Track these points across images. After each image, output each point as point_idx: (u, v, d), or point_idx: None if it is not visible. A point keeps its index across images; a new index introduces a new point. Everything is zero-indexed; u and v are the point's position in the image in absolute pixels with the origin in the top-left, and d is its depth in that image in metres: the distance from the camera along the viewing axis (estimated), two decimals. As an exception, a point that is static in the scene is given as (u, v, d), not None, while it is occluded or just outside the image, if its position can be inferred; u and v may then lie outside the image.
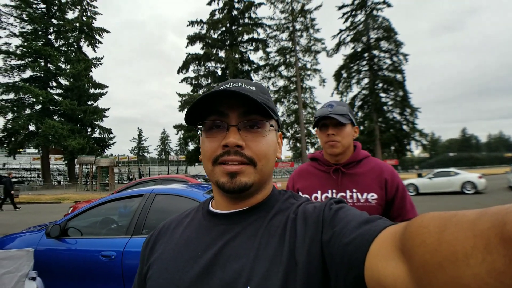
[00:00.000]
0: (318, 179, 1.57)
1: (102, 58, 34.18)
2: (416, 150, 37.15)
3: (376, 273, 0.39)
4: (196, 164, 29.77)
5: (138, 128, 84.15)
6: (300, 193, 1.57)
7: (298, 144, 33.00)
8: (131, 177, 30.23)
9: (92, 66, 33.05)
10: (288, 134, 32.64)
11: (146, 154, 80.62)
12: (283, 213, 0.61)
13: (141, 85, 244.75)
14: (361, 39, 32.91)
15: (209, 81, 28.73)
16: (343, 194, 1.46)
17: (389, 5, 31.75)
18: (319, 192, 1.52)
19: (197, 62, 28.36)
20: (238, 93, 0.57)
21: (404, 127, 32.14)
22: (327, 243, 0.50)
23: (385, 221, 0.46)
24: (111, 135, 33.78)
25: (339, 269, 0.46)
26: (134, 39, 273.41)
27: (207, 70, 29.22)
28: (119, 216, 3.70)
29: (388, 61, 32.90)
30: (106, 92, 33.43)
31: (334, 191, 1.49)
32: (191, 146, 29.21)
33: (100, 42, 34.04)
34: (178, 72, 28.20)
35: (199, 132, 0.65)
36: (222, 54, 28.78)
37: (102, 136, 33.32)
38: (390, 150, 34.25)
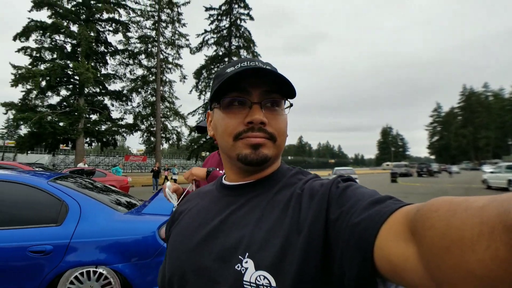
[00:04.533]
0: (214, 159, 1.92)
1: None
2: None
3: (387, 253, 0.40)
4: (29, 152, 25.40)
5: None
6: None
7: (152, 138, 32.10)
8: None
9: None
10: (143, 127, 31.38)
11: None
12: (289, 188, 0.63)
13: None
14: (224, 43, 34.54)
15: (55, 55, 24.76)
16: (222, 171, 1.70)
17: (251, 18, 34.34)
18: (217, 168, 1.81)
19: (41, 32, 24.14)
20: (268, 70, 0.59)
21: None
22: (334, 222, 0.49)
23: (395, 201, 0.46)
24: None
25: (345, 248, 0.45)
26: None
27: (53, 44, 25.22)
28: None
29: (245, 70, 35.54)
30: None
31: (217, 168, 1.77)
32: (23, 130, 24.60)
33: None
34: (15, 38, 23.25)
35: (213, 107, 0.69)
36: (75, 28, 25.25)
37: None
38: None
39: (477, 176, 30.30)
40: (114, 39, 34.25)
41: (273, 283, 0.50)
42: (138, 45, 30.66)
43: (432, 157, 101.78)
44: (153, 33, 30.99)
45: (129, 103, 30.28)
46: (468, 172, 53.01)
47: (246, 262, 0.53)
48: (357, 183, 0.57)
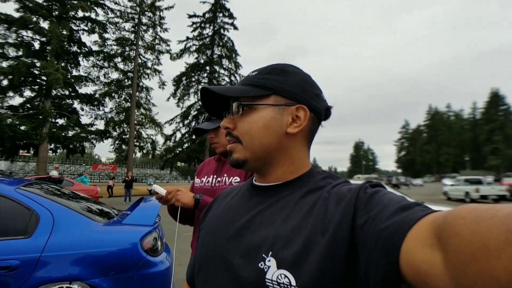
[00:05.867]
0: (210, 166, 1.84)
1: None
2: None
3: (412, 259, 0.40)
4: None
5: None
6: (196, 177, 1.88)
7: (124, 146, 29.89)
8: None
9: None
10: (115, 134, 29.18)
11: None
12: (317, 191, 0.62)
13: None
14: (206, 52, 33.36)
15: (20, 53, 22.47)
16: (219, 178, 1.72)
17: (235, 28, 33.48)
18: (205, 176, 1.80)
19: (6, 26, 21.89)
20: (208, 89, 0.67)
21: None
22: (361, 227, 0.49)
23: (423, 208, 0.46)
24: None
25: (372, 253, 0.45)
26: None
27: (19, 40, 22.85)
28: None
29: (227, 79, 34.50)
30: None
31: (214, 176, 1.76)
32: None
33: None
34: (-26, 31, 21.15)
35: None
36: (45, 25, 23.17)
37: None
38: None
39: (438, 188, 31.38)
40: (89, 39, 32.28)
41: (293, 282, 0.51)
42: (115, 47, 28.66)
43: (399, 170, 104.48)
44: (132, 36, 29.24)
45: (101, 108, 27.93)
46: (430, 184, 54.66)
47: (269, 260, 0.55)
48: (385, 189, 0.57)
